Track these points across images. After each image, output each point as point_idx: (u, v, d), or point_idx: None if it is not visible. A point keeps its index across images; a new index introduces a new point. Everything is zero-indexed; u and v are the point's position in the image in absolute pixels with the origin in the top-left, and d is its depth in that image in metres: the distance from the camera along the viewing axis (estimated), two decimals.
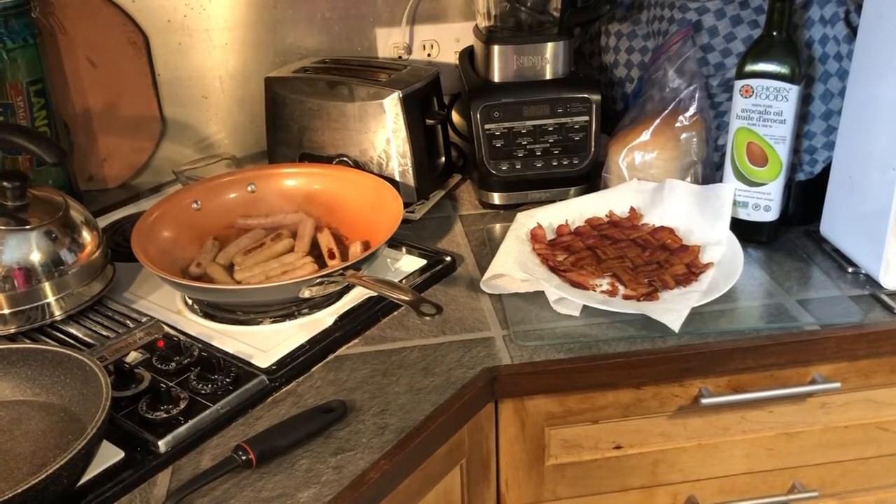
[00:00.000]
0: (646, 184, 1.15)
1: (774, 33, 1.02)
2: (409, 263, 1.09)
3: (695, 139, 1.14)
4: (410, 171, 1.21)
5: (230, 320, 0.98)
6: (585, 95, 1.19)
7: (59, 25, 1.27)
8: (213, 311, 0.99)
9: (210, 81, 1.38)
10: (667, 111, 1.14)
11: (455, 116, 1.38)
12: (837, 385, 0.97)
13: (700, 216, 1.09)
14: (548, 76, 1.21)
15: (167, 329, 0.94)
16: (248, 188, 1.16)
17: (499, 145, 1.19)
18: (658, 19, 1.22)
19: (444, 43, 1.44)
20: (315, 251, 1.07)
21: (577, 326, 0.95)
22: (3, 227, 0.93)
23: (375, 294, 0.96)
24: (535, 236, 1.10)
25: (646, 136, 1.15)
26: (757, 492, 1.07)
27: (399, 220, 1.02)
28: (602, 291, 1.00)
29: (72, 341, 0.94)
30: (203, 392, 0.84)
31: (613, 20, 1.31)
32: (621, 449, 1.00)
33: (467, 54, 1.34)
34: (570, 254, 1.07)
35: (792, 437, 1.03)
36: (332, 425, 0.82)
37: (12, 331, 0.94)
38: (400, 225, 1.02)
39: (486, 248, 1.12)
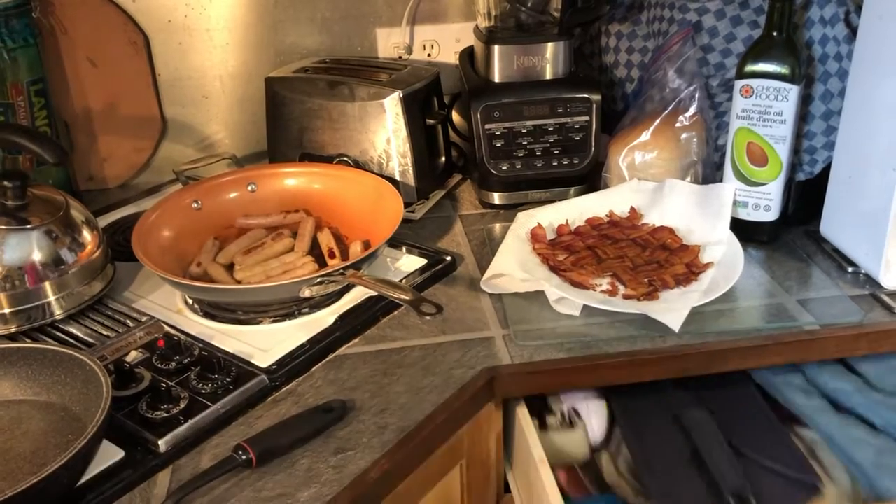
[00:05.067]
0: (646, 183, 1.15)
1: (774, 33, 1.02)
2: (410, 263, 1.09)
3: (695, 139, 1.14)
4: (411, 170, 1.21)
5: (230, 320, 0.98)
6: (586, 95, 1.19)
7: (60, 25, 1.27)
8: (214, 310, 0.99)
9: (210, 81, 1.38)
10: (667, 111, 1.14)
11: (455, 116, 1.38)
12: None
13: (700, 216, 1.10)
14: (548, 76, 1.21)
15: (167, 328, 0.94)
16: (249, 188, 1.16)
17: (499, 145, 1.19)
18: (658, 20, 1.22)
19: (444, 43, 1.44)
20: (315, 251, 1.07)
21: (577, 326, 0.95)
22: (3, 227, 0.93)
23: (375, 294, 0.96)
24: (536, 236, 1.10)
25: (646, 136, 1.15)
26: None
27: (399, 219, 1.02)
28: (602, 291, 1.00)
29: (72, 341, 0.94)
30: (203, 391, 0.84)
31: (613, 20, 1.31)
32: None
33: (467, 54, 1.34)
34: (570, 253, 1.07)
35: None
36: (332, 425, 0.82)
37: (13, 330, 0.94)
38: (400, 224, 1.02)
39: (487, 248, 1.12)
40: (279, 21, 1.37)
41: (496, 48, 1.20)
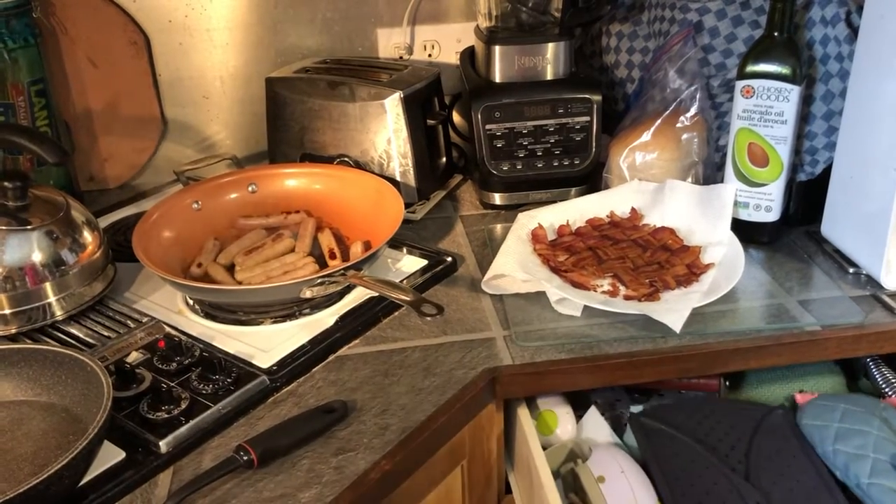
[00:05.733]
0: (647, 184, 1.15)
1: (775, 34, 1.02)
2: (410, 264, 1.09)
3: (696, 139, 1.14)
4: (411, 171, 1.21)
5: (231, 320, 0.98)
6: (586, 96, 1.19)
7: (61, 25, 1.27)
8: (214, 311, 0.99)
9: (211, 81, 1.38)
10: (668, 111, 1.14)
11: (456, 117, 1.38)
12: None
13: (701, 217, 1.09)
14: (549, 77, 1.21)
15: (168, 329, 0.94)
16: (249, 188, 1.16)
17: (500, 145, 1.19)
18: (659, 20, 1.22)
19: (445, 43, 1.44)
20: (316, 251, 1.07)
21: (578, 327, 0.95)
22: (4, 228, 0.93)
23: (376, 294, 0.96)
24: (536, 237, 1.10)
25: (647, 136, 1.15)
26: None
27: (400, 220, 1.02)
28: (603, 292, 1.00)
29: (73, 341, 0.94)
30: (204, 392, 0.84)
31: (614, 21, 1.31)
32: None
33: (468, 55, 1.34)
34: (571, 254, 1.07)
35: None
36: (333, 426, 0.82)
37: (13, 331, 0.94)
38: (401, 225, 1.02)
39: (487, 249, 1.12)
40: (279, 21, 1.37)
41: (497, 48, 1.20)
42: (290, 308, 0.98)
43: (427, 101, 1.24)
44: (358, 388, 0.87)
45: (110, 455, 0.77)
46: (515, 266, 1.02)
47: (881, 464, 0.88)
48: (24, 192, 0.96)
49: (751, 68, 1.03)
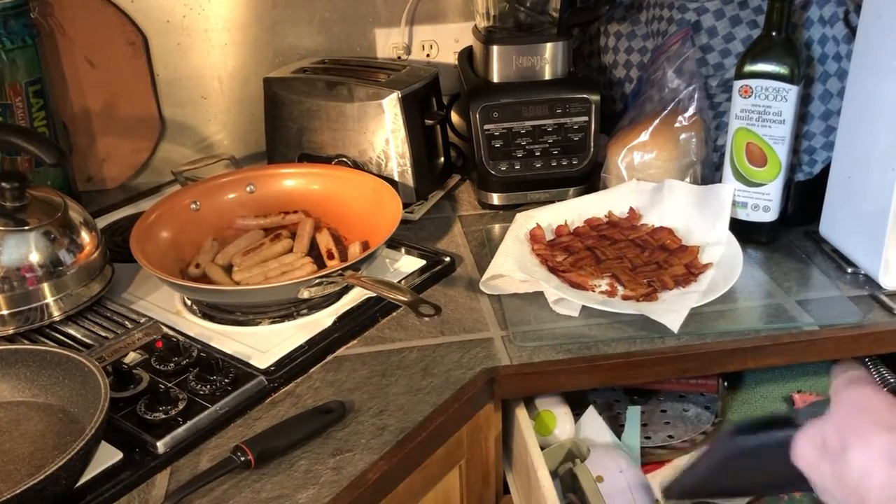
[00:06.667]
0: (645, 184, 1.15)
1: (773, 33, 1.02)
2: (408, 264, 1.09)
3: (694, 139, 1.14)
4: (409, 171, 1.21)
5: (229, 321, 0.98)
6: (584, 96, 1.19)
7: (58, 26, 1.27)
8: (212, 311, 0.99)
9: (209, 82, 1.38)
10: (666, 111, 1.14)
11: (454, 117, 1.38)
12: None
13: (699, 216, 1.09)
14: (547, 76, 1.21)
15: (166, 330, 0.94)
16: (247, 188, 1.16)
17: (498, 146, 1.19)
18: (657, 19, 1.21)
19: (443, 43, 1.44)
20: (314, 252, 1.07)
21: (577, 327, 0.95)
22: (1, 228, 0.93)
23: (374, 295, 0.96)
24: (535, 237, 1.10)
25: (645, 136, 1.14)
26: None
27: (398, 220, 1.02)
28: (601, 292, 1.00)
29: (70, 342, 0.94)
30: (202, 393, 0.84)
31: (612, 20, 1.31)
32: None
33: (466, 55, 1.34)
34: (569, 254, 1.07)
35: None
36: (330, 426, 0.82)
37: (11, 332, 0.94)
38: (399, 225, 1.02)
39: (486, 249, 1.12)
40: (278, 22, 1.37)
41: (495, 48, 1.20)
42: (287, 308, 0.98)
43: (425, 101, 1.24)
44: (356, 389, 0.87)
45: (108, 456, 0.77)
46: (513, 266, 1.02)
47: None
48: (21, 193, 0.96)
49: (749, 68, 1.03)
